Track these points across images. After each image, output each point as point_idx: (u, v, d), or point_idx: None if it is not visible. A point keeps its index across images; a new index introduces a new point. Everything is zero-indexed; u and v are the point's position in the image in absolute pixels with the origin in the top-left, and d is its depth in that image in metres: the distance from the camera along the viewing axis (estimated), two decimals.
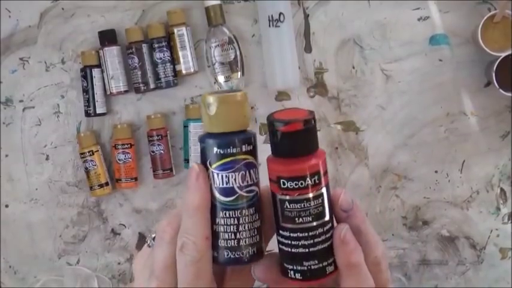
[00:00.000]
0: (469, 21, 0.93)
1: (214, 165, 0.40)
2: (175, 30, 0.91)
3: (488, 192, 0.97)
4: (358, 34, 0.95)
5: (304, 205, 0.39)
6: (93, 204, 0.97)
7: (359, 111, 0.96)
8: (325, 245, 0.40)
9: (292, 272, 0.40)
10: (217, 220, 0.40)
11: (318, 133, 1.03)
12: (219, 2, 0.91)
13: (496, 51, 0.89)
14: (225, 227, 0.40)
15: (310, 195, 0.39)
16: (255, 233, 0.41)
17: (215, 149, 0.39)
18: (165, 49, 0.91)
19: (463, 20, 0.94)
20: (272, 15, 0.90)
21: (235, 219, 0.40)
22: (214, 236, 0.40)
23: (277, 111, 0.41)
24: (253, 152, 0.40)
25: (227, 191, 0.40)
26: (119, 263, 0.98)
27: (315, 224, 0.39)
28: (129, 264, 0.98)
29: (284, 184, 0.39)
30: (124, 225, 0.98)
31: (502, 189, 0.97)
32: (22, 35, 0.95)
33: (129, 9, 0.94)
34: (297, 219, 0.39)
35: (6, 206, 0.97)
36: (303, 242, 0.39)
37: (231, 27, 0.93)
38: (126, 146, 0.93)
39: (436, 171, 0.96)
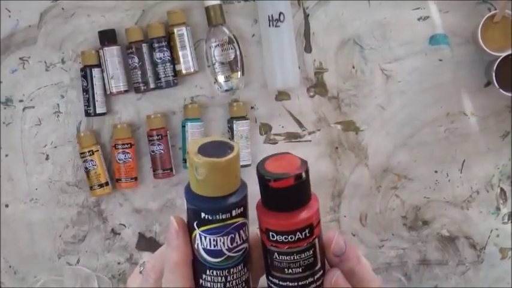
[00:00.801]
0: (469, 21, 0.93)
1: (201, 229, 0.37)
2: (175, 30, 0.91)
3: (488, 192, 0.97)
4: (358, 34, 0.95)
5: (293, 257, 0.37)
6: (93, 204, 0.97)
7: (359, 111, 0.96)
8: None
9: None
10: (204, 276, 0.38)
11: (318, 133, 1.02)
12: (219, 2, 0.91)
13: (496, 51, 0.89)
14: (211, 283, 0.38)
15: (301, 248, 0.37)
16: (243, 285, 0.39)
17: (202, 214, 0.37)
18: (165, 49, 0.91)
19: (463, 20, 0.94)
20: (272, 15, 0.90)
21: (223, 277, 0.38)
22: None
23: (269, 157, 0.38)
24: (244, 212, 0.38)
25: (215, 253, 0.37)
26: (118, 263, 0.98)
27: (305, 274, 0.38)
28: (129, 264, 0.98)
29: (273, 237, 0.37)
30: (124, 225, 0.98)
31: (502, 189, 0.97)
32: (22, 34, 0.95)
33: (129, 9, 0.94)
34: (286, 270, 0.38)
35: (6, 206, 0.97)
36: None
37: (231, 27, 0.93)
38: (126, 145, 0.93)
39: (436, 171, 0.96)
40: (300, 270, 0.38)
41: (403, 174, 0.97)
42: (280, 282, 0.38)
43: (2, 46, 0.95)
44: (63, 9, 0.94)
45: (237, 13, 0.94)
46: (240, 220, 0.37)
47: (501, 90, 0.88)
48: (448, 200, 0.97)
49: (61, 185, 0.97)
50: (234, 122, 0.92)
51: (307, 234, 0.37)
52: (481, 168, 0.96)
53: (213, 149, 0.36)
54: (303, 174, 0.37)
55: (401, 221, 0.98)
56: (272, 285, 0.39)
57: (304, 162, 0.37)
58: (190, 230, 0.38)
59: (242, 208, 0.37)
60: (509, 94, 0.89)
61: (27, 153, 0.96)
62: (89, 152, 0.93)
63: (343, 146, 0.96)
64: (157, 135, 0.92)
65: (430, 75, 0.95)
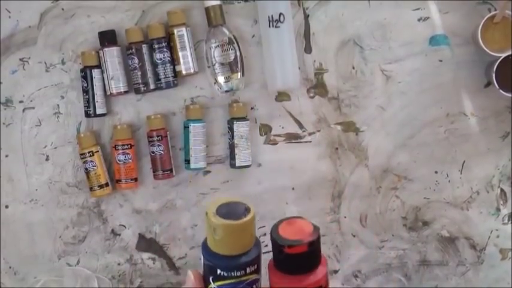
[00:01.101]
0: (469, 21, 0.93)
1: (217, 283, 0.40)
2: (175, 31, 0.91)
3: (488, 192, 0.97)
4: (358, 34, 0.95)
5: None
6: (93, 205, 0.97)
7: (359, 112, 0.96)
8: None
9: None
10: None
11: (318, 133, 1.02)
12: (219, 3, 0.91)
13: (496, 51, 0.89)
14: None
15: None
16: None
17: (218, 271, 0.39)
18: (165, 50, 0.91)
19: (463, 20, 0.94)
20: (272, 16, 0.90)
21: None
22: None
23: (282, 221, 0.40)
24: (257, 270, 0.40)
25: None
26: (118, 264, 0.98)
27: None
28: (129, 264, 0.98)
29: None
30: (124, 225, 0.98)
31: (502, 190, 0.97)
32: (22, 35, 0.95)
33: (129, 9, 0.94)
34: None
35: (6, 206, 0.97)
36: None
37: (231, 27, 0.93)
38: (126, 146, 0.93)
39: (436, 172, 0.96)
40: None
41: (403, 175, 0.97)
42: None
43: (2, 47, 0.95)
44: (63, 9, 0.94)
45: (237, 14, 0.94)
46: (254, 277, 0.40)
47: (501, 90, 0.88)
48: (448, 200, 0.97)
49: (61, 185, 0.97)
50: (234, 122, 0.92)
51: None
52: (481, 168, 0.96)
53: (230, 211, 0.39)
54: (316, 241, 0.39)
55: (402, 222, 0.98)
56: None
57: (316, 229, 0.40)
58: (206, 283, 0.40)
59: (256, 266, 0.40)
60: (509, 94, 0.89)
61: (27, 154, 0.96)
62: (89, 152, 0.93)
63: (343, 146, 0.96)
64: (158, 136, 0.92)
65: (430, 75, 0.95)
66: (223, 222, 0.38)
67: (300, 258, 0.39)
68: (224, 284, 0.39)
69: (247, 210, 0.39)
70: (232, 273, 0.39)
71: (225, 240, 0.38)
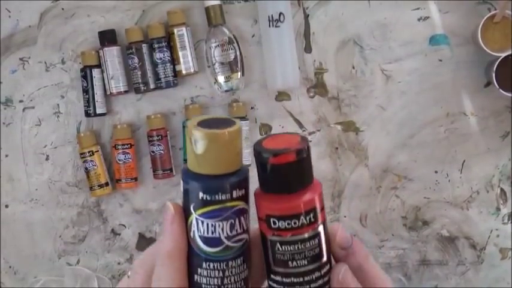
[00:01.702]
0: (469, 21, 0.93)
1: (198, 212, 0.34)
2: (175, 31, 0.91)
3: (488, 192, 0.97)
4: (358, 34, 0.95)
5: (298, 247, 0.34)
6: (93, 205, 0.97)
7: (359, 112, 0.96)
8: None
9: None
10: (199, 271, 0.35)
11: (318, 133, 1.02)
12: (219, 2, 0.91)
13: (496, 51, 0.89)
14: (207, 279, 0.35)
15: (305, 235, 0.34)
16: (242, 284, 0.36)
17: (200, 194, 0.33)
18: (165, 49, 0.91)
19: (463, 20, 0.94)
20: (272, 15, 0.90)
21: (220, 271, 0.35)
22: (195, 286, 0.35)
23: (266, 137, 0.35)
24: (245, 196, 0.35)
25: (212, 241, 0.34)
26: (118, 263, 0.98)
27: (311, 267, 0.34)
28: (129, 264, 0.98)
29: (275, 224, 0.34)
30: (124, 225, 0.98)
31: (502, 190, 0.97)
32: (22, 35, 0.95)
33: (129, 9, 0.94)
34: (290, 262, 0.34)
35: (6, 206, 0.97)
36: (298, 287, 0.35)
37: (231, 27, 0.93)
38: (126, 146, 0.93)
39: (436, 172, 0.96)
40: (306, 262, 0.34)
41: (403, 174, 0.97)
42: (284, 279, 0.35)
43: (2, 46, 0.95)
44: (63, 9, 0.94)
45: (237, 13, 0.94)
46: (241, 205, 0.34)
47: (501, 90, 0.88)
48: (448, 200, 0.97)
49: (61, 185, 0.97)
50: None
51: (312, 220, 0.34)
52: (481, 168, 0.96)
53: (214, 124, 0.34)
54: (305, 150, 0.34)
55: (402, 221, 0.98)
56: (274, 285, 0.35)
57: (304, 139, 0.34)
58: (186, 217, 0.35)
59: (243, 191, 0.35)
60: (509, 94, 0.89)
61: (27, 153, 0.96)
62: (89, 152, 0.93)
63: (343, 146, 0.96)
64: (157, 136, 0.92)
65: (430, 75, 0.95)
66: (205, 132, 0.33)
67: (288, 170, 0.33)
68: (207, 211, 0.33)
69: (232, 124, 0.34)
70: (216, 197, 0.33)
71: (208, 155, 0.33)
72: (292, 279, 0.35)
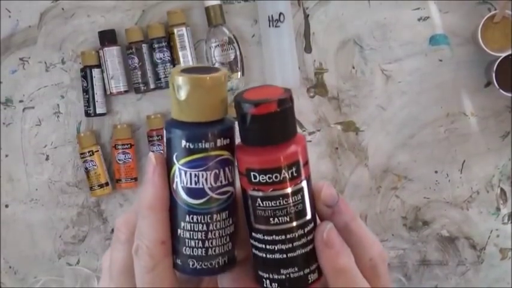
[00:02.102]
0: (469, 21, 0.93)
1: (181, 161, 0.32)
2: (175, 31, 0.91)
3: (488, 192, 0.97)
4: (358, 34, 0.95)
5: (280, 202, 0.32)
6: (93, 205, 0.97)
7: (359, 112, 0.96)
8: (307, 249, 0.33)
9: (268, 282, 0.34)
10: (183, 224, 0.33)
11: (318, 133, 1.01)
12: (219, 2, 0.91)
13: (496, 51, 0.89)
14: (191, 233, 0.33)
15: (288, 190, 0.32)
16: (227, 240, 0.34)
17: (183, 142, 0.32)
18: (165, 49, 0.91)
19: (463, 20, 0.94)
20: (272, 16, 0.90)
21: (204, 225, 0.33)
22: (179, 241, 0.34)
23: (247, 89, 0.34)
24: (230, 146, 0.33)
25: (196, 193, 0.33)
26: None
27: (294, 224, 0.33)
28: None
29: (255, 178, 0.32)
30: None
31: (502, 190, 0.97)
32: (22, 35, 0.95)
33: (129, 9, 0.94)
34: (271, 219, 0.33)
35: (6, 206, 0.97)
36: (279, 246, 0.33)
37: (231, 27, 0.93)
38: (126, 146, 0.93)
39: (436, 172, 0.96)
40: (288, 219, 0.32)
41: (403, 174, 0.97)
42: (265, 237, 0.33)
43: (2, 46, 0.95)
44: (63, 9, 0.94)
45: (237, 13, 0.94)
46: (225, 155, 0.33)
47: (501, 90, 0.88)
48: (448, 200, 0.97)
49: (61, 185, 0.97)
50: (234, 122, 0.92)
51: (295, 174, 0.32)
52: (481, 168, 0.96)
53: (198, 71, 0.32)
54: (287, 100, 0.32)
55: (402, 222, 0.97)
56: (256, 244, 0.34)
57: (287, 90, 0.33)
58: (169, 168, 0.33)
59: (228, 140, 0.33)
60: (509, 94, 0.89)
61: (27, 153, 0.96)
62: (88, 152, 0.93)
63: (343, 146, 0.96)
64: (158, 136, 0.92)
65: (430, 75, 0.95)
66: (188, 77, 0.31)
67: (270, 120, 0.31)
68: (190, 160, 0.32)
69: (217, 70, 0.33)
70: (200, 145, 0.32)
71: (191, 101, 0.32)
72: (274, 236, 0.33)
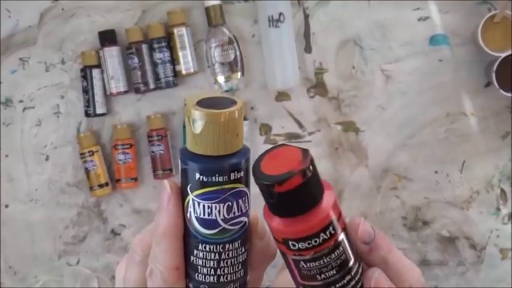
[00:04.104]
0: (469, 21, 0.93)
1: (195, 193, 0.33)
2: (175, 31, 0.91)
3: (488, 192, 0.97)
4: (358, 34, 0.95)
5: (323, 261, 0.32)
6: (93, 205, 0.97)
7: (359, 112, 0.96)
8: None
9: None
10: (195, 252, 0.34)
11: (318, 133, 1.01)
12: (219, 2, 0.91)
13: (496, 51, 0.89)
14: (203, 261, 0.34)
15: (328, 249, 0.32)
16: (239, 268, 0.35)
17: (197, 175, 0.32)
18: (165, 49, 0.91)
19: (463, 20, 0.94)
20: (272, 16, 0.90)
21: (217, 254, 0.34)
22: (192, 267, 0.34)
23: (263, 156, 0.32)
24: (244, 179, 0.33)
25: (209, 223, 0.33)
26: (118, 263, 0.98)
27: (340, 274, 0.33)
28: None
29: (294, 246, 0.32)
30: (124, 225, 0.98)
31: (502, 190, 0.97)
32: (22, 35, 0.95)
33: (129, 9, 0.94)
34: (318, 276, 0.33)
35: (6, 206, 0.97)
36: None
37: (231, 27, 0.93)
38: (126, 146, 0.93)
39: (436, 172, 0.96)
40: (334, 272, 0.33)
41: (403, 174, 0.97)
42: None
43: (2, 46, 0.95)
44: (63, 9, 0.94)
45: (237, 13, 0.94)
46: (239, 187, 0.33)
47: (501, 90, 0.88)
48: (448, 200, 0.97)
49: (61, 185, 0.97)
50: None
51: (332, 232, 0.32)
52: (481, 168, 0.96)
53: (214, 103, 0.32)
54: (309, 167, 0.31)
55: (402, 222, 0.97)
56: None
57: (305, 152, 0.31)
58: (183, 197, 0.34)
59: (242, 173, 0.33)
60: (509, 94, 0.89)
61: (27, 153, 0.96)
62: (88, 152, 0.93)
63: (343, 146, 0.96)
64: (157, 136, 0.92)
65: (430, 75, 0.95)
66: (203, 111, 0.31)
67: (296, 194, 0.30)
68: (203, 192, 0.32)
69: (233, 103, 0.32)
70: (213, 178, 0.32)
71: (206, 135, 0.32)
72: None
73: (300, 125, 0.96)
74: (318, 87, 0.96)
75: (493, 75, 0.88)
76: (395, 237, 0.97)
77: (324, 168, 0.96)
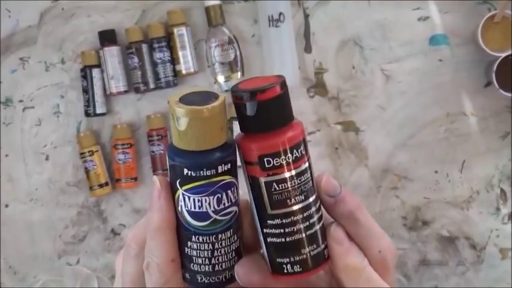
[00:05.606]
0: (469, 21, 0.93)
1: (184, 187, 0.33)
2: (175, 30, 0.91)
3: (488, 192, 0.97)
4: (358, 34, 0.95)
5: (295, 182, 0.33)
6: (93, 204, 0.97)
7: (359, 112, 0.96)
8: (320, 224, 0.35)
9: (288, 266, 0.34)
10: (189, 244, 0.35)
11: (318, 133, 1.02)
12: (219, 2, 0.91)
13: (496, 51, 0.89)
14: (198, 251, 0.35)
15: (302, 167, 0.33)
16: (233, 255, 0.35)
17: (185, 171, 0.33)
18: (165, 49, 0.91)
19: (463, 20, 0.94)
20: (272, 15, 0.90)
21: (210, 244, 0.35)
22: (186, 258, 0.35)
23: (240, 82, 0.34)
24: (231, 170, 0.34)
25: (200, 216, 0.34)
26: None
27: (310, 200, 0.34)
28: None
29: (269, 163, 0.33)
30: (124, 225, 0.98)
31: (502, 190, 0.97)
32: (22, 35, 0.95)
33: (129, 9, 0.94)
34: (289, 201, 0.33)
35: (6, 206, 0.97)
36: (299, 226, 0.34)
37: (231, 27, 0.93)
38: (125, 146, 0.93)
39: (436, 172, 0.96)
40: (303, 197, 0.33)
41: (403, 174, 0.97)
42: (284, 220, 0.34)
43: (2, 46, 0.95)
44: (63, 9, 0.94)
45: (237, 13, 0.94)
46: (227, 179, 0.34)
47: (501, 90, 0.88)
48: (448, 200, 0.97)
49: (61, 185, 0.97)
50: (234, 122, 0.92)
51: (303, 152, 0.33)
52: (481, 168, 0.96)
53: (197, 99, 0.33)
54: (285, 82, 0.33)
55: (401, 222, 0.97)
56: (272, 231, 0.34)
57: (279, 75, 0.34)
58: (173, 191, 0.34)
59: (229, 165, 0.34)
60: (509, 94, 0.89)
61: (27, 153, 0.96)
62: (88, 152, 0.93)
63: (343, 146, 0.96)
64: (157, 136, 0.92)
65: (430, 75, 0.95)
66: (186, 109, 0.32)
67: (277, 104, 0.33)
68: (193, 186, 0.33)
69: (215, 98, 0.33)
70: (201, 173, 0.33)
71: (190, 131, 0.32)
72: (293, 217, 0.34)
73: None
74: (317, 87, 0.96)
75: (493, 75, 0.88)
76: (395, 237, 0.97)
77: (323, 168, 0.96)
